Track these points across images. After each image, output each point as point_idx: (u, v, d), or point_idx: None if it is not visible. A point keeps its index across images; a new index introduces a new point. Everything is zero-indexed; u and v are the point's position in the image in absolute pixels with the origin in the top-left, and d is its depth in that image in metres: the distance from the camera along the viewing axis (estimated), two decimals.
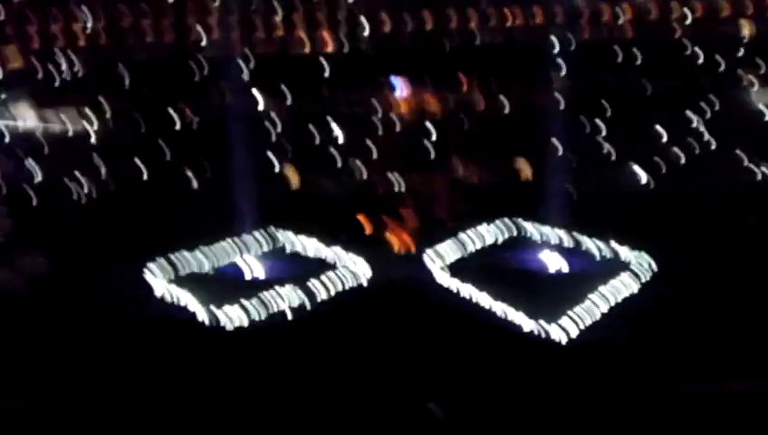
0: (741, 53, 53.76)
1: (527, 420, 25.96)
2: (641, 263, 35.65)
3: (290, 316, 33.10)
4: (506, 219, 40.05)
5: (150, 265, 36.29)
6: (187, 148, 50.13)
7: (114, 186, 47.46)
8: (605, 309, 32.36)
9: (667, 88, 52.34)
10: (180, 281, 36.00)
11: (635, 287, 34.15)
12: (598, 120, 49.37)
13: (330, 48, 57.55)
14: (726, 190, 42.77)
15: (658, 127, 49.07)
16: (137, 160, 48.08)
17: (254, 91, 53.43)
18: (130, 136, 51.91)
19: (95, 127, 53.86)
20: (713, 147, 47.42)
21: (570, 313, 31.37)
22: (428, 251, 37.54)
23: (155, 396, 27.67)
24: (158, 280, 35.88)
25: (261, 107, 53.07)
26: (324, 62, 55.09)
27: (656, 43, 54.78)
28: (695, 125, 49.52)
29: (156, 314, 33.60)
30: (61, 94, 55.61)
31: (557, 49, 52.21)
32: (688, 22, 55.31)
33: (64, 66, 56.33)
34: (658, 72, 53.16)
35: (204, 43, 56.64)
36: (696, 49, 53.91)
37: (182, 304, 34.25)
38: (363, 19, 56.76)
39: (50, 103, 55.16)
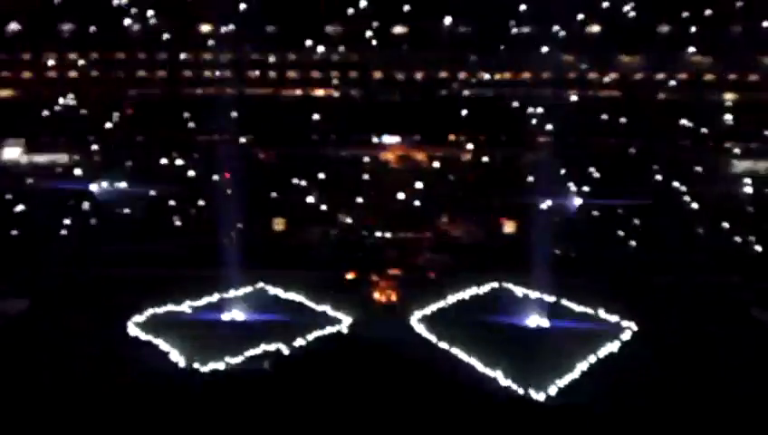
0: (723, 119, 54.78)
1: None
2: (621, 325, 36.06)
3: (267, 364, 33.02)
4: (490, 276, 40.30)
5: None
6: (175, 188, 50.23)
7: (99, 222, 47.16)
8: (584, 369, 32.48)
9: (650, 150, 53.12)
10: (160, 324, 35.89)
11: (614, 349, 34.33)
12: (583, 181, 49.98)
13: (321, 93, 58.17)
14: (707, 257, 43.21)
15: (642, 190, 49.77)
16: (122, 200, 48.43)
17: (243, 133, 53.80)
18: (118, 172, 51.71)
19: (82, 161, 53.77)
20: (695, 212, 47.99)
21: (549, 372, 31.55)
22: (411, 304, 37.80)
23: None
24: (137, 323, 35.83)
25: (250, 149, 53.37)
26: (315, 108, 55.63)
27: (640, 105, 55.74)
28: (677, 188, 50.15)
29: (134, 357, 33.40)
30: (49, 126, 55.62)
31: (544, 107, 53.08)
32: (672, 84, 56.43)
33: (55, 98, 56.54)
34: (643, 134, 54.02)
35: (196, 81, 57.28)
36: (680, 113, 54.86)
37: (160, 347, 34.06)
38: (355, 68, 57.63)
39: (38, 135, 55.19)
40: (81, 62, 56.98)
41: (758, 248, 44.32)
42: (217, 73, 56.62)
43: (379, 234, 45.39)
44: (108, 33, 57.30)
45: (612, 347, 34.43)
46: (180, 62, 57.28)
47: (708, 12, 56.90)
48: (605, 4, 57.98)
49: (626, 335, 35.59)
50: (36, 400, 30.10)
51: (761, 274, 41.77)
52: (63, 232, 45.93)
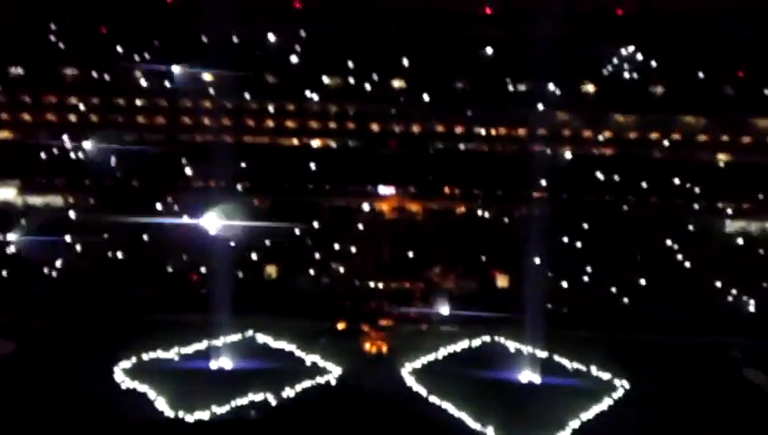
0: (716, 179, 55.24)
1: None
2: (613, 382, 35.68)
3: (253, 413, 32.47)
4: (481, 329, 39.99)
5: (117, 353, 35.94)
6: (168, 234, 50.15)
7: (89, 267, 46.91)
8: (574, 426, 32.03)
9: (643, 208, 53.43)
10: (146, 370, 35.37)
11: (605, 407, 33.91)
12: (575, 237, 50.11)
13: (318, 143, 58.58)
14: (698, 316, 43.04)
15: (634, 248, 49.90)
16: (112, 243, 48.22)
17: (239, 180, 53.99)
18: (111, 218, 51.69)
19: (76, 205, 53.83)
20: (687, 271, 48.01)
21: (538, 428, 31.18)
22: (401, 355, 37.46)
23: None
24: (124, 369, 35.29)
25: (244, 196, 53.50)
26: (312, 157, 56.00)
27: (634, 163, 56.25)
28: (669, 246, 50.29)
29: (123, 407, 32.86)
30: (46, 169, 55.80)
31: (538, 163, 53.51)
32: (666, 144, 57.01)
33: (53, 141, 56.84)
34: (636, 192, 54.40)
35: (194, 129, 57.71)
36: (673, 173, 55.35)
37: (146, 394, 33.50)
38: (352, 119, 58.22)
39: (34, 177, 55.34)
40: (81, 106, 58.07)
41: (751, 308, 44.19)
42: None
43: (371, 284, 45.41)
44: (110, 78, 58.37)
45: (603, 405, 34.00)
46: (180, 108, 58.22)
47: (701, 75, 58.12)
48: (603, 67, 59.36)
49: (618, 393, 35.08)
50: None
51: (753, 333, 41.53)
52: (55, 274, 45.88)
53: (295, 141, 58.64)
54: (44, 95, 58.18)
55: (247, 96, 57.36)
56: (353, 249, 48.98)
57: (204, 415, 32.08)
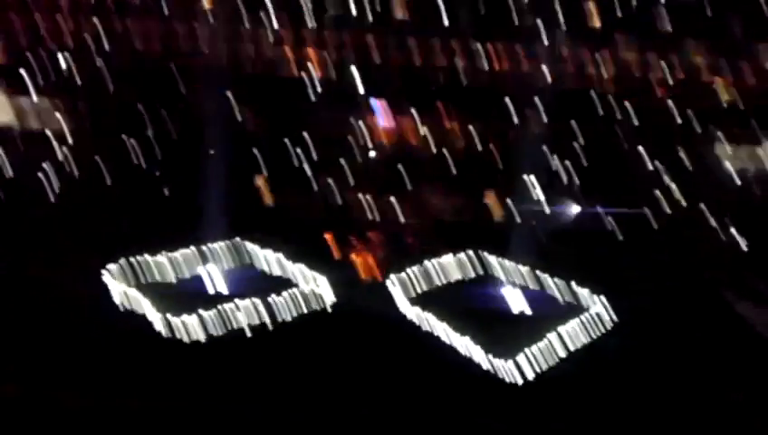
0: (718, 116, 54.72)
1: None
2: (603, 308, 35.88)
3: (248, 333, 32.73)
4: (473, 254, 40.21)
5: (110, 267, 36.04)
6: (162, 153, 50.00)
7: (85, 186, 46.83)
8: (563, 352, 32.41)
9: (641, 142, 53.06)
10: (139, 287, 35.50)
11: (595, 332, 34.29)
12: (570, 166, 49.87)
13: (317, 73, 57.81)
14: (693, 246, 43.25)
15: (630, 177, 49.74)
16: (108, 163, 47.99)
17: (235, 104, 53.44)
18: (106, 138, 51.49)
19: (71, 127, 53.38)
20: (682, 203, 48.02)
21: (528, 353, 31.32)
22: (393, 279, 37.62)
23: (104, 405, 26.86)
24: (117, 284, 35.36)
25: (240, 120, 53.09)
26: (309, 85, 55.32)
27: (635, 99, 55.64)
28: (665, 180, 50.20)
29: (111, 319, 33.00)
30: (41, 92, 55.17)
31: (538, 94, 52.85)
32: (669, 82, 56.26)
33: (47, 64, 56.00)
34: (635, 128, 53.98)
35: (189, 51, 56.79)
36: (674, 109, 54.80)
37: (139, 310, 33.71)
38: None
39: (28, 100, 54.73)
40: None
41: (742, 241, 44.40)
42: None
43: (365, 205, 45.39)
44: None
45: (594, 331, 34.35)
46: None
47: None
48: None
49: (608, 319, 35.43)
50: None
51: (746, 268, 41.82)
52: None
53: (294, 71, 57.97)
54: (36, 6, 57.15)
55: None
56: (349, 172, 48.73)
57: (199, 334, 32.21)
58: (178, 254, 37.58)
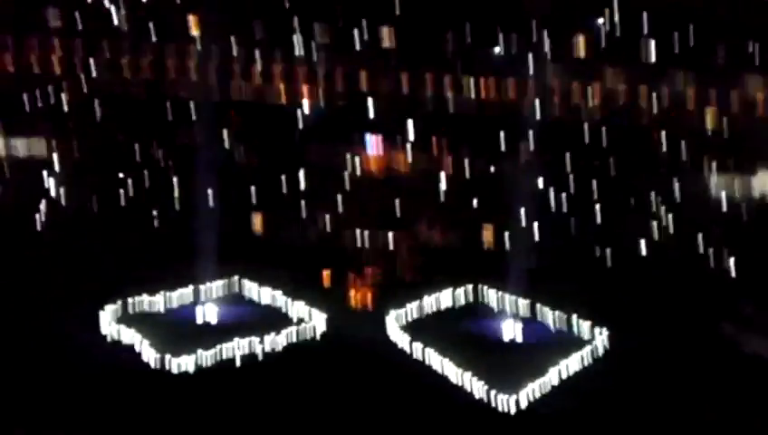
0: (704, 143, 55.31)
1: None
2: (596, 339, 35.96)
3: (239, 365, 32.56)
4: (467, 284, 40.24)
5: (102, 304, 35.86)
6: (153, 187, 49.98)
7: (75, 219, 46.62)
8: (557, 381, 32.37)
9: (630, 171, 53.50)
10: (131, 321, 35.31)
11: (588, 362, 34.28)
12: (562, 197, 50.21)
13: (306, 101, 57.97)
14: (684, 277, 43.53)
15: (620, 208, 50.09)
16: (98, 195, 47.91)
17: (225, 136, 53.52)
18: (96, 171, 51.41)
19: (61, 158, 53.25)
20: (672, 232, 48.36)
21: (522, 383, 31.37)
22: (387, 310, 37.55)
23: None
24: (109, 320, 35.22)
25: (230, 152, 53.15)
26: (299, 114, 55.51)
27: (623, 127, 56.15)
28: (655, 210, 50.57)
29: (104, 355, 32.84)
30: (30, 122, 55.04)
31: (527, 123, 53.25)
32: (655, 111, 56.82)
33: (36, 94, 55.92)
34: (623, 155, 54.40)
35: (180, 83, 56.88)
36: (662, 136, 55.33)
37: (131, 345, 33.52)
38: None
39: (17, 130, 54.58)
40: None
41: (732, 266, 44.68)
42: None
43: (358, 236, 45.44)
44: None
45: (586, 361, 34.38)
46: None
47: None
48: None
49: (601, 350, 35.49)
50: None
51: (735, 292, 42.05)
52: None
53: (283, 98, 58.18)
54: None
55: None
56: (341, 204, 48.80)
57: (190, 366, 32.07)
58: (171, 289, 37.50)
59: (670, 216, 49.13)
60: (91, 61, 57.04)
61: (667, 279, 42.78)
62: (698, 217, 49.28)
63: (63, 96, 55.09)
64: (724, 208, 50.73)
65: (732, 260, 45.06)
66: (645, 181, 51.99)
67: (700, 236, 46.78)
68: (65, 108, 54.76)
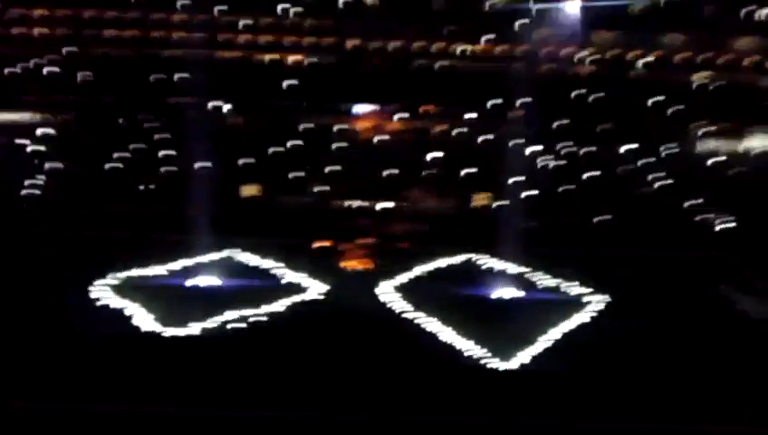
0: (691, 99, 55.41)
1: None
2: (590, 297, 36.51)
3: (236, 330, 32.74)
4: (461, 247, 40.53)
5: (98, 270, 35.93)
6: (144, 150, 49.66)
7: (67, 186, 46.30)
8: (552, 340, 32.82)
9: (619, 126, 53.64)
10: (127, 289, 35.41)
11: (583, 320, 34.76)
12: (553, 156, 50.36)
13: (295, 58, 57.31)
14: (672, 230, 44.00)
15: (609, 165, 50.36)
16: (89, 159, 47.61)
17: (215, 96, 52.99)
18: (87, 135, 50.93)
19: (51, 121, 52.65)
20: (660, 187, 48.74)
21: (517, 342, 31.78)
22: (382, 273, 37.90)
23: (95, 407, 26.91)
24: (105, 288, 35.29)
25: (221, 113, 52.79)
26: (288, 73, 54.98)
27: (611, 82, 56.08)
28: (643, 164, 50.80)
29: (101, 322, 32.84)
30: (17, 86, 54.19)
31: (517, 81, 53.04)
32: (644, 61, 56.70)
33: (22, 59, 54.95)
34: (612, 111, 54.43)
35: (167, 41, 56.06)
36: (651, 91, 55.33)
37: (128, 312, 33.61)
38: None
39: (4, 95, 53.75)
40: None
41: (729, 224, 45.11)
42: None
43: (352, 201, 45.49)
44: None
45: (581, 319, 34.81)
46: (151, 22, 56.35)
47: None
48: None
49: (597, 306, 35.92)
50: None
51: (731, 250, 42.55)
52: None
53: (269, 57, 57.47)
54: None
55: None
56: (334, 169, 48.82)
57: (188, 332, 32.21)
58: (166, 256, 37.59)
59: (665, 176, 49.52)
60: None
61: (661, 239, 43.23)
62: (685, 173, 49.68)
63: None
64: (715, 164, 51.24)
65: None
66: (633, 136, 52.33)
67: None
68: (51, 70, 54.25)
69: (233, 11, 57.05)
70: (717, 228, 45.16)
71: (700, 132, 53.83)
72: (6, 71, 54.52)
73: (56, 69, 54.91)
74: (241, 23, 57.05)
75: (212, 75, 51.57)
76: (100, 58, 55.69)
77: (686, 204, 46.60)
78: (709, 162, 51.82)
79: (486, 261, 40.12)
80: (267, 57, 57.38)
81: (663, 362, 31.41)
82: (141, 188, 46.66)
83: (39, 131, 50.98)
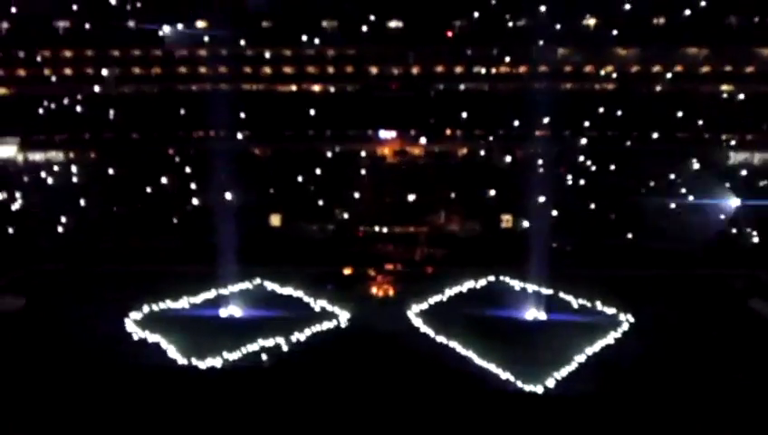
0: (718, 111, 54.75)
1: None
2: (618, 318, 36.19)
3: (265, 360, 32.91)
4: (487, 270, 40.39)
5: (128, 304, 36.44)
6: (170, 185, 50.38)
7: (95, 221, 47.17)
8: (580, 361, 32.52)
9: (646, 142, 53.18)
10: (157, 321, 35.83)
11: (610, 341, 34.37)
12: (579, 175, 50.03)
13: (316, 88, 57.80)
14: (703, 249, 43.42)
15: (637, 182, 49.85)
16: (117, 196, 48.54)
17: (239, 128, 53.68)
18: (114, 171, 51.89)
19: (78, 159, 53.79)
20: (690, 203, 48.13)
21: (544, 364, 31.65)
22: (408, 298, 37.99)
23: None
24: (135, 320, 35.76)
25: (245, 144, 53.43)
26: (311, 103, 55.42)
27: (636, 97, 55.69)
28: (672, 180, 50.23)
29: (131, 354, 33.27)
30: (44, 124, 55.47)
31: (540, 100, 52.91)
32: (668, 77, 56.18)
33: (49, 96, 56.20)
34: (638, 127, 54.00)
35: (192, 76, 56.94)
36: (676, 105, 54.77)
37: (157, 343, 34.00)
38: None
39: (33, 133, 55.02)
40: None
41: (755, 239, 44.40)
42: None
43: (376, 229, 45.62)
44: (103, 30, 57.28)
45: (608, 340, 34.46)
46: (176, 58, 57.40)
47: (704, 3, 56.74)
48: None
49: (623, 327, 35.59)
50: (33, 396, 29.93)
51: (759, 264, 41.87)
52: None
53: (293, 87, 58.12)
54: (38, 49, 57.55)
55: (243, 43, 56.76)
56: (356, 195, 49.15)
57: (217, 362, 32.47)
58: (194, 287, 38.15)
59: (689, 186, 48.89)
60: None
61: (690, 253, 42.68)
62: (716, 189, 48.98)
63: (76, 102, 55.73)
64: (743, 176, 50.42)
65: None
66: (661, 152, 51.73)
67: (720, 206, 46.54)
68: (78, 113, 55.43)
69: (255, 44, 57.69)
70: (747, 244, 44.49)
71: (729, 144, 53.13)
72: (38, 110, 55.68)
73: (84, 108, 56.08)
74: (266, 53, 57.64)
75: (237, 107, 52.70)
76: (127, 96, 56.69)
77: (713, 219, 46.01)
78: (739, 173, 51.07)
79: (511, 283, 39.92)
80: (291, 87, 58.02)
81: (686, 385, 30.97)
82: (170, 221, 47.14)
83: (68, 168, 52.19)
